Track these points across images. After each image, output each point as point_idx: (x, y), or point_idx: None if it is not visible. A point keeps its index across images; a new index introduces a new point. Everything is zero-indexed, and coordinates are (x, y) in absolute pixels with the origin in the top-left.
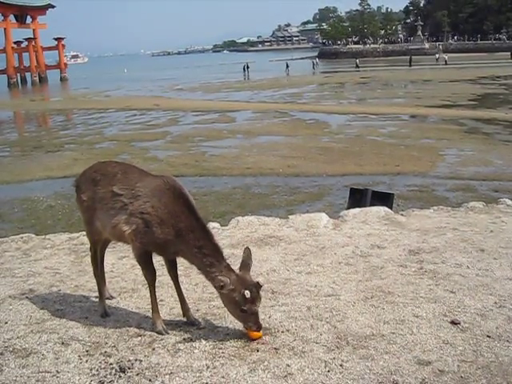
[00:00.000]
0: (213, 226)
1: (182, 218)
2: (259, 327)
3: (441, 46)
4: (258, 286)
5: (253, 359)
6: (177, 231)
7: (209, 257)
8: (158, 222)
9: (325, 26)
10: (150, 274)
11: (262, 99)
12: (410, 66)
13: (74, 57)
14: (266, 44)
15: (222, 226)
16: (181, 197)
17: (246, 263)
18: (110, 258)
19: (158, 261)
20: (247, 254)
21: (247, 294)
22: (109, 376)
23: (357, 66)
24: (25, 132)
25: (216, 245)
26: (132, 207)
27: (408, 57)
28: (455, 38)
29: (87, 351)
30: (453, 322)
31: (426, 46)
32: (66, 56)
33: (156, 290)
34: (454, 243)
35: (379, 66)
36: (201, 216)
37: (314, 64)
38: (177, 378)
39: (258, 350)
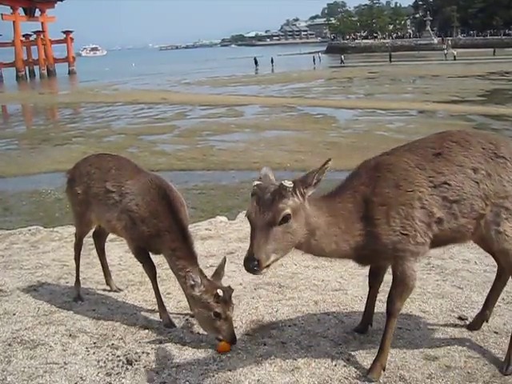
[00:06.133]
0: (220, 219)
1: (161, 217)
2: (234, 339)
3: (450, 42)
4: (230, 290)
5: (260, 353)
6: (156, 231)
7: (181, 260)
8: (140, 220)
9: (333, 21)
10: (148, 268)
11: (270, 93)
12: (390, 62)
13: (93, 49)
14: (275, 38)
15: (229, 219)
16: (164, 197)
17: (218, 272)
18: (117, 251)
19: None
20: (221, 264)
21: (220, 292)
22: (116, 368)
23: (341, 62)
24: (33, 125)
25: (191, 249)
26: (121, 205)
27: (416, 52)
28: (464, 33)
29: (95, 343)
30: (460, 318)
31: (435, 41)
32: (85, 48)
33: (163, 283)
34: None
35: (366, 61)
36: (184, 218)
37: (314, 59)
38: (184, 371)
39: (264, 344)
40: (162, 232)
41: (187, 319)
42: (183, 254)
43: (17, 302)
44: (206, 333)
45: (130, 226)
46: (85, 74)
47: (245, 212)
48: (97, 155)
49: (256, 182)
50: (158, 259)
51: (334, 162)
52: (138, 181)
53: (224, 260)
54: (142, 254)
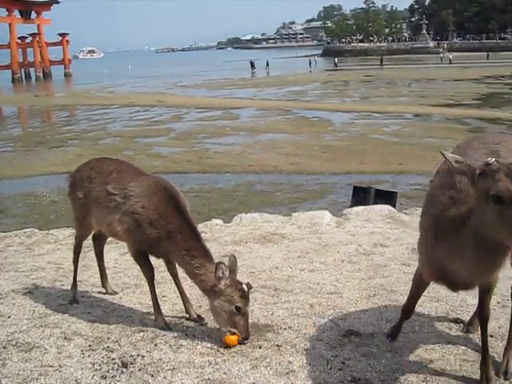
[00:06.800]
0: (216, 222)
1: (171, 219)
2: (248, 334)
3: (445, 45)
4: (250, 286)
5: (255, 356)
6: (166, 232)
7: (198, 258)
8: (147, 222)
9: (329, 24)
10: (147, 271)
11: (266, 96)
12: (381, 65)
13: (90, 52)
14: (271, 41)
15: (224, 222)
16: (171, 198)
17: (232, 269)
18: (112, 254)
19: None
20: (233, 260)
21: (245, 287)
22: (111, 371)
23: (335, 65)
24: (28, 127)
25: (205, 247)
26: (124, 207)
27: (412, 55)
28: (460, 36)
29: (90, 346)
30: (455, 321)
31: (431, 44)
32: (82, 51)
33: (158, 286)
34: None
35: (362, 64)
36: (191, 218)
37: (310, 62)
38: (179, 374)
39: (260, 347)
40: (172, 233)
41: (183, 322)
42: (199, 252)
43: (12, 305)
44: (220, 326)
45: (132, 228)
46: (81, 77)
47: (241, 215)
48: (98, 159)
49: (492, 159)
50: (153, 262)
51: (330, 165)
52: (141, 183)
53: (235, 257)
54: (143, 256)
